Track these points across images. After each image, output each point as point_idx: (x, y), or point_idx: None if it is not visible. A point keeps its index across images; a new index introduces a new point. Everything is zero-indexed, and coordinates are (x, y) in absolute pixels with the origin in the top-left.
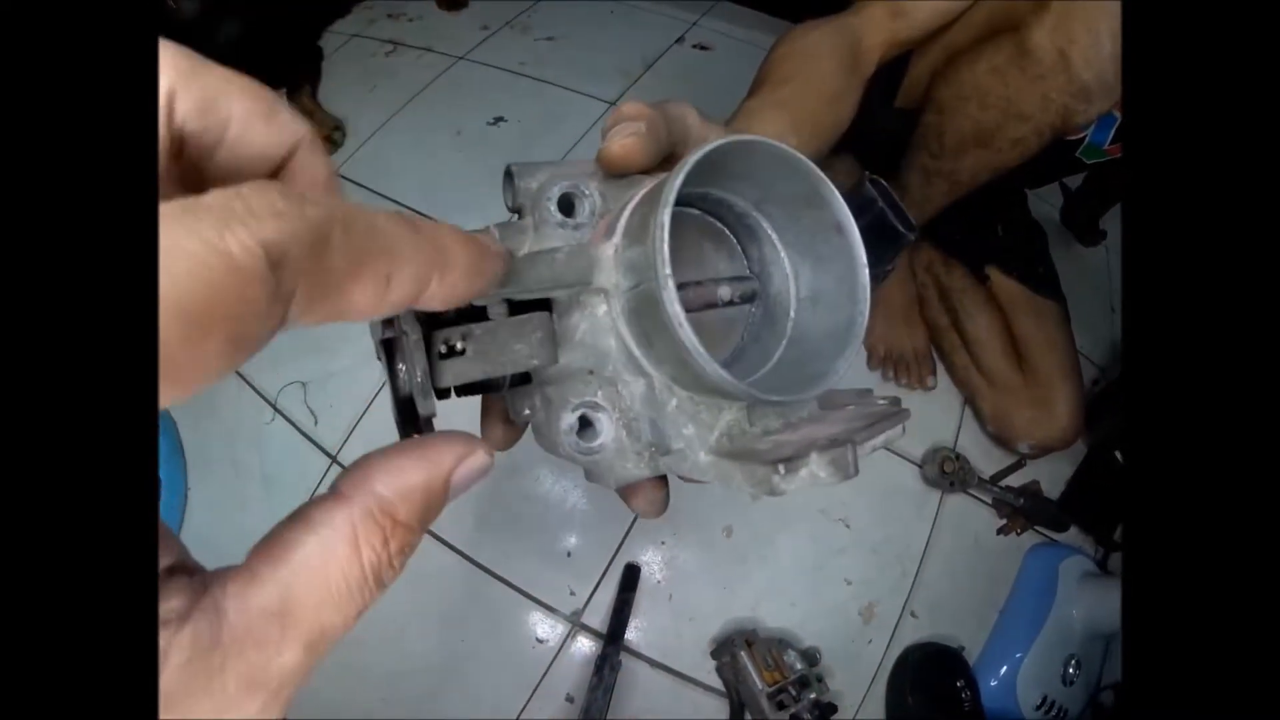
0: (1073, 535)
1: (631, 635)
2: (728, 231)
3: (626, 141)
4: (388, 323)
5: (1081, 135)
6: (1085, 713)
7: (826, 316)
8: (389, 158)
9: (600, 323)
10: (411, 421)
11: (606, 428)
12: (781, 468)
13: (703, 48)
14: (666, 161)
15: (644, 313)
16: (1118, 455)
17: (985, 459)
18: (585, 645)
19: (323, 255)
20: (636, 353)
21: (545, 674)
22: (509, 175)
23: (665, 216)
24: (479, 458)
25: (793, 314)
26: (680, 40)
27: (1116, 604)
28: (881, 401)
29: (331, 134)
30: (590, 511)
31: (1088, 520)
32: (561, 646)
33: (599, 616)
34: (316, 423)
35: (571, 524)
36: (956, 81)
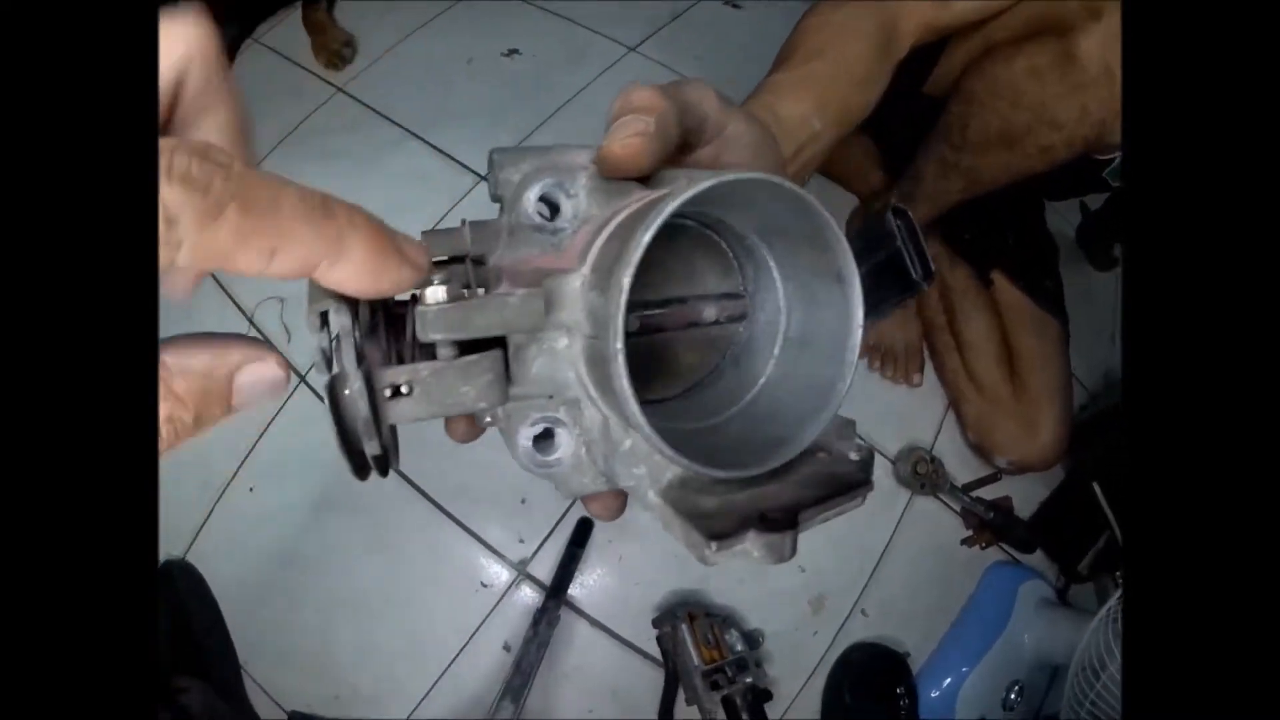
0: (1037, 559)
1: (575, 592)
2: (724, 245)
3: (630, 142)
4: (331, 355)
5: (1112, 156)
6: None
7: (809, 367)
8: (397, 79)
9: (560, 356)
10: (358, 461)
11: (565, 443)
12: (714, 544)
13: (734, 5)
14: (681, 150)
15: (599, 366)
16: (1096, 487)
17: (961, 466)
18: (529, 596)
19: (213, 225)
20: (592, 393)
21: (485, 620)
22: (491, 162)
23: (622, 300)
24: (268, 367)
25: (776, 351)
26: None
27: (1070, 636)
28: (853, 457)
29: (341, 49)
30: None
31: (1055, 547)
32: (505, 594)
33: (546, 568)
34: (290, 339)
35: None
36: (991, 75)
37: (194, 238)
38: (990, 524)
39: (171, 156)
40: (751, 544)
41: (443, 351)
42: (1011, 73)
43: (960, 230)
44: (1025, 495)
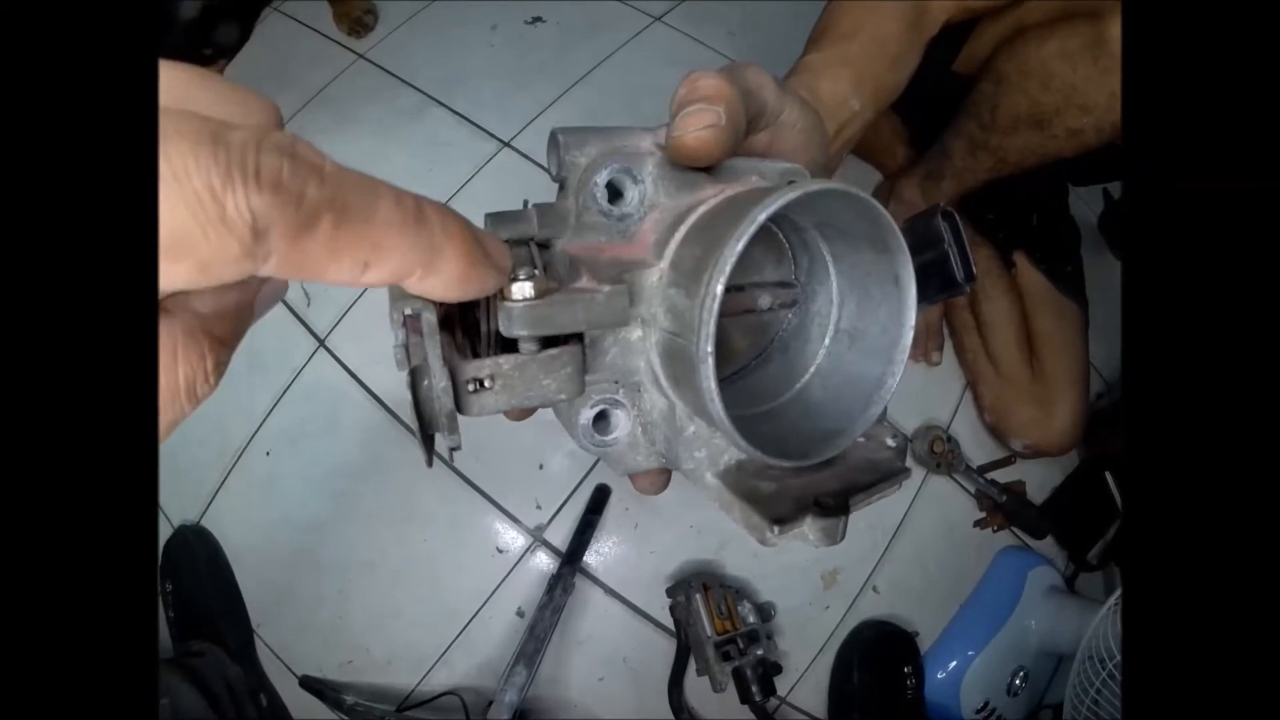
0: (1047, 546)
1: (590, 559)
2: (781, 235)
3: (703, 134)
4: (415, 331)
5: None
6: None
7: (858, 362)
8: (419, 46)
9: (632, 346)
10: (432, 448)
11: (623, 423)
12: (776, 528)
13: None
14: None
15: (677, 361)
16: (1108, 477)
17: (976, 448)
18: (544, 562)
19: (306, 237)
20: (664, 383)
21: (500, 585)
22: (554, 143)
23: (715, 307)
24: (279, 282)
25: (827, 342)
26: None
27: (1076, 624)
28: (890, 443)
29: (363, 16)
30: None
31: (1066, 535)
32: (520, 559)
33: (562, 534)
34: (309, 304)
35: (549, 436)
36: (1022, 56)
37: (284, 252)
38: (1003, 507)
39: (258, 156)
40: (809, 528)
41: (525, 346)
42: (1042, 54)
43: (984, 210)
44: (1039, 481)
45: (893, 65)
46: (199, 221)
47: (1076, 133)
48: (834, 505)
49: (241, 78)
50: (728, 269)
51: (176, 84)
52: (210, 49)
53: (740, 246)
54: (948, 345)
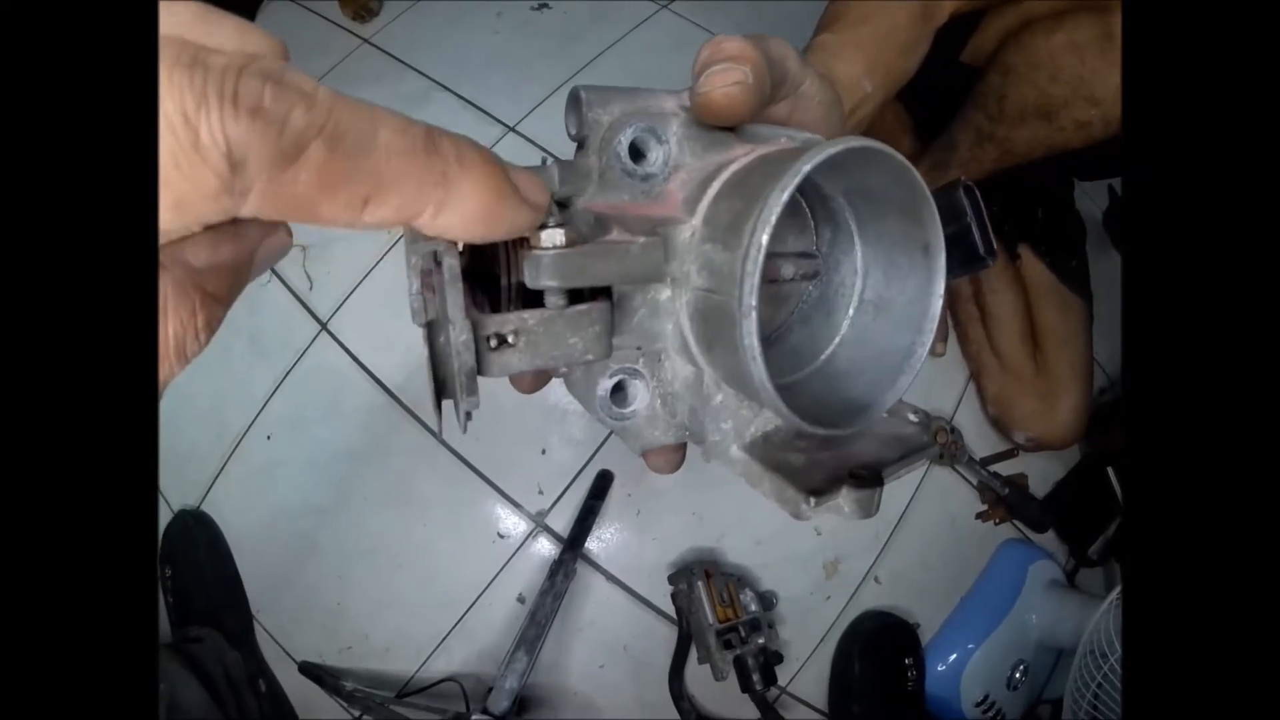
0: (1048, 540)
1: (592, 545)
2: (803, 203)
3: (731, 91)
4: (429, 287)
5: None
6: None
7: (885, 332)
8: (424, 31)
9: (661, 307)
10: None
11: (642, 395)
12: (812, 500)
13: None
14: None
15: (712, 320)
16: (1110, 473)
17: (979, 440)
18: (545, 548)
19: (290, 168)
20: (694, 349)
21: (501, 570)
22: (576, 100)
23: (760, 258)
24: (281, 237)
25: (851, 313)
26: None
27: (1077, 619)
28: (913, 419)
29: (368, 2)
30: (574, 412)
31: (1067, 529)
32: (521, 545)
33: (564, 520)
34: (311, 288)
35: (552, 421)
36: (1030, 47)
37: (265, 185)
38: (1005, 500)
39: (237, 80)
40: (844, 500)
41: (551, 300)
42: (1051, 46)
43: (990, 202)
44: (1041, 475)
45: (903, 52)
46: (170, 149)
47: (1084, 125)
48: (869, 476)
49: None
50: (773, 219)
51: (178, 23)
52: None
53: (786, 196)
54: (952, 337)
